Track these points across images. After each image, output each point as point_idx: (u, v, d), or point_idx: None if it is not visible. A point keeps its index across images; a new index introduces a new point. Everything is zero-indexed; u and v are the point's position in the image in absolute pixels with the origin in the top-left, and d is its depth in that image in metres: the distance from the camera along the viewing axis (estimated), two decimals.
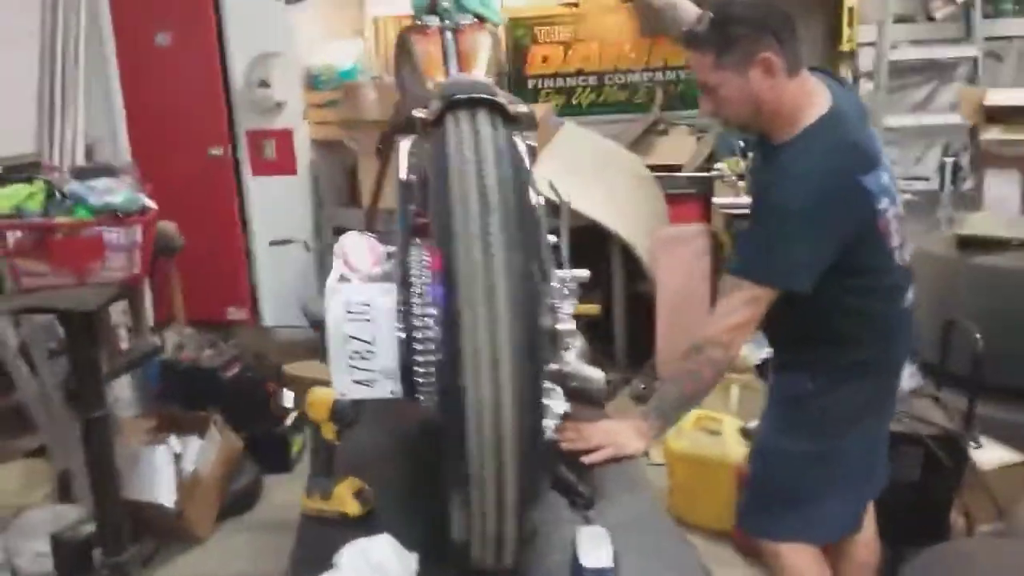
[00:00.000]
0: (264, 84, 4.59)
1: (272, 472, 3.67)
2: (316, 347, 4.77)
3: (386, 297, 1.34)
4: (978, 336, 2.47)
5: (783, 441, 2.02)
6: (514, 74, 5.42)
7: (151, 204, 2.75)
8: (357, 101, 4.44)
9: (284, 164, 4.77)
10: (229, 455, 3.38)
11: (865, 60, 4.68)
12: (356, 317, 1.33)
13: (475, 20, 2.26)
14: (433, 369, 1.33)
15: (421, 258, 1.37)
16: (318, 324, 2.91)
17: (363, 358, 1.33)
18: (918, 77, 4.78)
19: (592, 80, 5.23)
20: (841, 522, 2.10)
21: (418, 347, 1.32)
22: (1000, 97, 3.02)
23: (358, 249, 1.35)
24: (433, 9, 2.23)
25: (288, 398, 3.84)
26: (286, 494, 3.62)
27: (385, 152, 2.75)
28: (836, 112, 1.83)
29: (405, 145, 1.85)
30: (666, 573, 1.36)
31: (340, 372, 1.35)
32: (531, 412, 1.12)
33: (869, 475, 2.10)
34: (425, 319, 1.32)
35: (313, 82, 4.74)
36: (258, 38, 4.57)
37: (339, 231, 4.61)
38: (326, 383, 4.17)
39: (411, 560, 1.37)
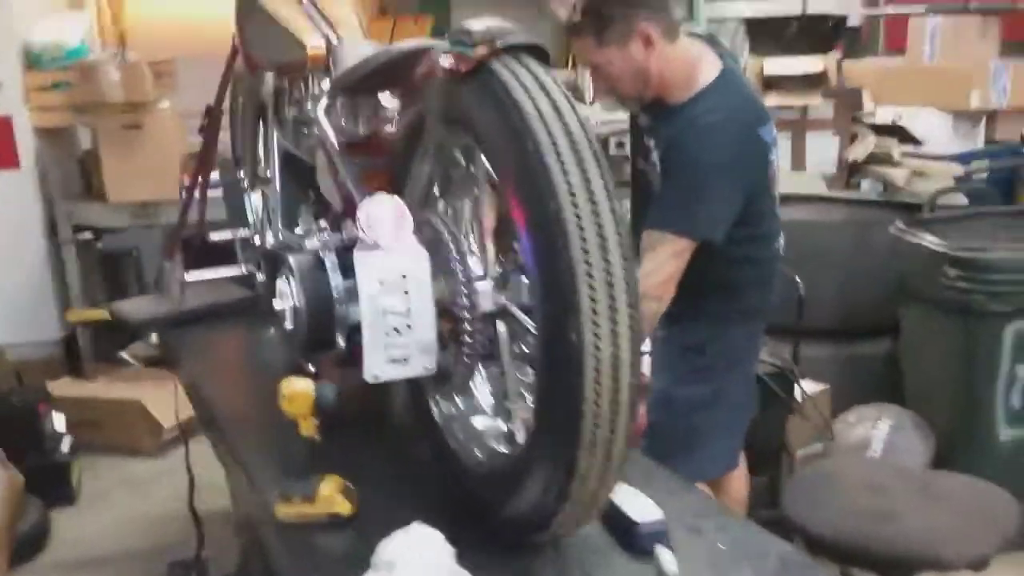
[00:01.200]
0: None
1: (56, 506, 3.21)
2: (59, 363, 4.20)
3: (420, 264, 1.22)
4: (798, 280, 2.74)
5: (682, 389, 2.12)
6: None
7: None
8: (96, 82, 3.97)
9: (4, 156, 4.14)
10: (13, 493, 2.90)
11: None
12: (391, 289, 1.20)
13: None
14: (473, 338, 1.25)
15: (447, 220, 1.27)
16: (142, 326, 2.58)
17: (400, 333, 1.21)
18: None
19: None
20: (727, 458, 2.25)
21: (461, 314, 1.23)
22: (776, 67, 3.36)
23: (383, 215, 1.22)
24: None
25: (60, 421, 3.37)
26: (77, 529, 3.19)
27: (212, 128, 2.50)
28: (730, 70, 1.95)
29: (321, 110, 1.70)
30: (704, 521, 1.37)
31: (374, 352, 1.21)
32: (639, 367, 1.08)
33: (747, 412, 2.27)
34: (469, 284, 1.23)
35: (33, 61, 4.15)
36: None
37: (79, 229, 4.12)
38: (114, 404, 3.64)
39: (448, 547, 1.27)
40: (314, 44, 1.85)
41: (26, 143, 4.18)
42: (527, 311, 1.27)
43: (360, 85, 1.55)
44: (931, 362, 2.88)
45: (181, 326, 2.39)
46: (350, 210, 1.65)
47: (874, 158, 3.28)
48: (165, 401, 3.80)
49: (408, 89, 1.42)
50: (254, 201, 2.67)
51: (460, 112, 1.21)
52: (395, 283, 1.20)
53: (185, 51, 4.39)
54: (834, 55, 3.22)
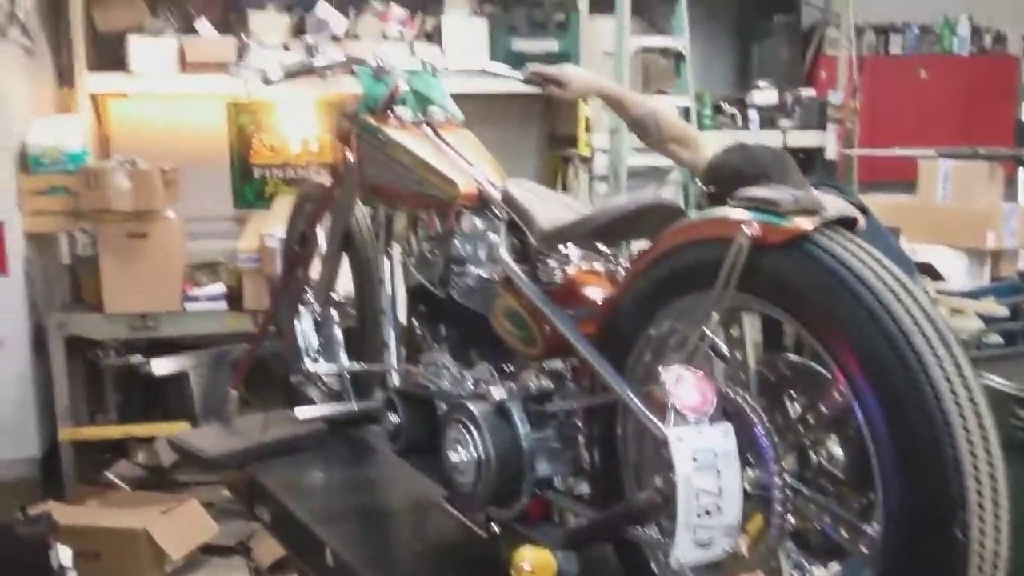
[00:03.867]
0: None
1: None
2: (35, 483, 3.90)
3: (728, 439, 1.15)
4: None
5: None
6: (238, 163, 5.09)
7: None
8: (102, 189, 3.80)
9: None
10: None
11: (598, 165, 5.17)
12: (703, 467, 1.13)
13: (446, 117, 2.10)
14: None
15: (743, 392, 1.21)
16: (220, 461, 2.38)
17: (709, 514, 1.13)
18: (641, 180, 5.31)
19: None
20: None
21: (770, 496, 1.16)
22: None
23: (687, 384, 1.15)
24: (391, 101, 2.04)
25: (66, 555, 3.07)
26: None
27: (307, 254, 2.39)
28: (876, 226, 1.97)
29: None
30: None
31: (685, 534, 1.12)
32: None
33: None
34: (776, 463, 1.16)
35: (31, 164, 3.95)
36: None
37: (73, 341, 3.87)
38: (116, 533, 3.35)
39: None
40: (466, 183, 1.82)
41: (16, 248, 3.93)
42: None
43: (588, 236, 1.50)
44: None
45: (263, 460, 2.23)
46: (543, 356, 1.58)
47: None
48: (169, 529, 3.54)
49: (651, 243, 1.37)
50: (305, 324, 2.56)
51: (769, 282, 1.16)
52: (707, 461, 1.13)
53: (173, 159, 4.26)
54: None
